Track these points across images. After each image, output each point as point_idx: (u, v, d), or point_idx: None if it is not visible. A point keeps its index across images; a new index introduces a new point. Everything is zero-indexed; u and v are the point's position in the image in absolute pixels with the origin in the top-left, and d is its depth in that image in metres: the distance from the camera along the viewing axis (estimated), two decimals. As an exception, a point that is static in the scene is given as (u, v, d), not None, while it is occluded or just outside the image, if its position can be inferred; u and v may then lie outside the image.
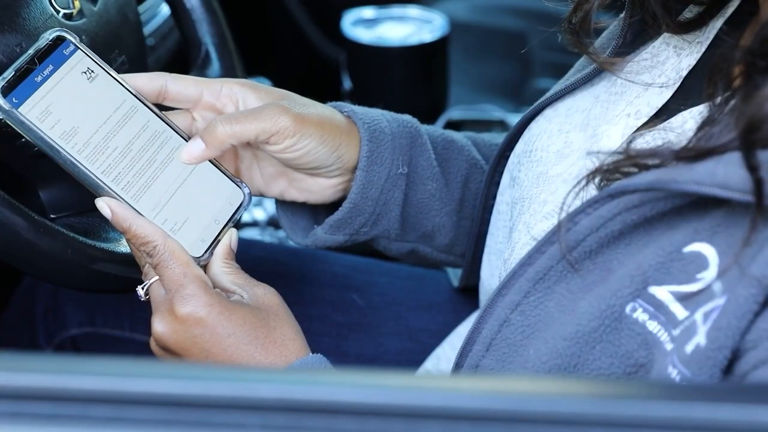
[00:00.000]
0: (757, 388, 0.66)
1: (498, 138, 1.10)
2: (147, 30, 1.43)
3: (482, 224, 1.05)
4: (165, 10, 1.50)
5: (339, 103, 1.01)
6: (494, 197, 1.03)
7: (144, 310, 0.92)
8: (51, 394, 0.59)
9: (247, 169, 0.99)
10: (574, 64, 0.99)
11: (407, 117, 1.04)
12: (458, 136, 1.07)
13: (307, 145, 0.93)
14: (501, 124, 1.71)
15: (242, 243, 0.95)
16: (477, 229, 1.05)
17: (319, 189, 0.99)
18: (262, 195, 1.00)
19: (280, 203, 1.03)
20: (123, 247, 0.99)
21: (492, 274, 0.99)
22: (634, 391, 0.63)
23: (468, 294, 1.14)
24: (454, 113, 1.79)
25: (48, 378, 0.60)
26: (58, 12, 1.03)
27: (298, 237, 1.03)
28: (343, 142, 0.96)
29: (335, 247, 1.02)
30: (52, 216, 1.04)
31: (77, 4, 1.05)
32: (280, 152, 0.93)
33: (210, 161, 0.95)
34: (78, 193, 1.03)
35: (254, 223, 1.48)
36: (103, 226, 1.03)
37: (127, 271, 0.97)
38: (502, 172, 1.01)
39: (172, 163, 0.93)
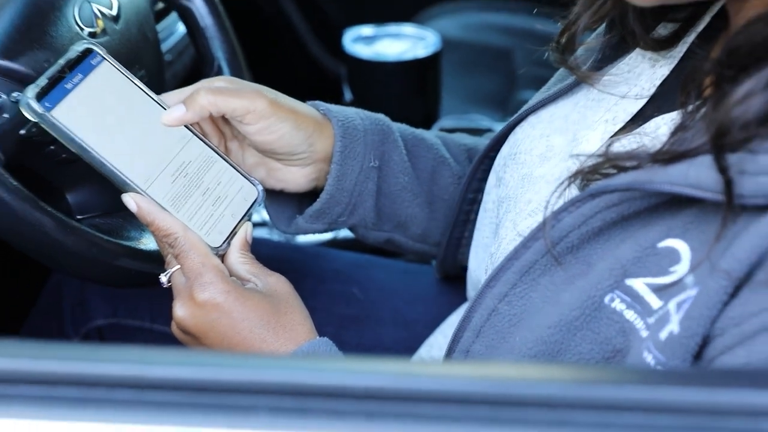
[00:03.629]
0: (724, 373, 0.66)
1: (469, 139, 1.11)
2: (165, 47, 1.43)
3: (459, 215, 1.05)
4: (181, 28, 1.50)
5: (317, 102, 1.01)
6: (475, 192, 1.03)
7: (162, 303, 0.92)
8: (77, 380, 0.59)
9: (234, 158, 0.98)
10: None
11: (380, 116, 1.04)
12: (429, 135, 1.07)
13: (281, 128, 0.94)
14: (488, 132, 1.71)
15: (254, 240, 0.95)
16: (453, 220, 1.05)
17: (293, 178, 0.99)
18: None
19: (267, 196, 1.02)
20: (143, 245, 0.99)
21: (479, 266, 0.99)
22: (612, 376, 0.62)
23: (458, 287, 1.14)
24: (446, 122, 1.79)
25: (75, 365, 0.60)
26: (82, 30, 1.03)
27: (282, 226, 1.03)
28: (315, 132, 0.96)
29: (328, 241, 1.03)
30: (78, 217, 1.04)
31: (101, 23, 1.05)
32: (257, 133, 0.93)
33: (226, 161, 0.95)
34: (102, 196, 1.03)
35: (263, 223, 1.48)
36: (125, 225, 1.02)
37: (147, 266, 0.97)
38: (485, 171, 1.01)
39: (192, 161, 0.93)
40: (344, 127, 0.98)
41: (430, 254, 1.12)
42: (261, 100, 0.93)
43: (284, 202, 1.02)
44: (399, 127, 1.04)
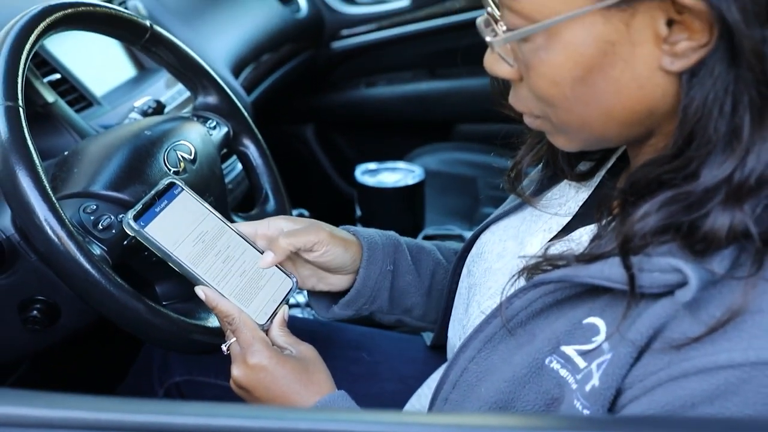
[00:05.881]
0: (632, 419, 0.64)
1: (454, 245, 1.11)
2: (227, 179, 1.44)
3: (449, 301, 1.04)
4: (239, 166, 1.52)
5: (348, 226, 1.02)
6: (456, 283, 1.02)
7: (224, 365, 0.91)
8: (160, 428, 0.58)
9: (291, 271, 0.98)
10: (507, 197, 1.00)
11: (392, 233, 1.05)
12: (427, 244, 1.08)
13: (336, 252, 0.95)
14: (459, 237, 1.72)
15: (289, 317, 0.94)
16: (444, 305, 1.04)
17: (339, 282, 0.99)
18: (300, 289, 1.01)
19: (313, 294, 1.03)
20: (210, 323, 0.98)
21: (455, 335, 0.98)
22: (552, 423, 0.61)
23: (439, 352, 1.13)
24: (429, 231, 1.79)
25: (158, 417, 0.59)
26: (169, 170, 1.04)
27: (322, 312, 1.03)
28: (356, 251, 0.97)
29: (347, 318, 1.03)
30: (163, 303, 1.03)
31: (182, 164, 1.07)
32: (319, 257, 0.94)
33: None
34: (180, 287, 1.02)
35: (297, 305, 1.47)
36: (197, 309, 1.02)
37: (213, 339, 0.96)
38: (462, 266, 1.01)
39: (245, 263, 0.93)
40: (368, 243, 0.99)
41: (428, 330, 1.11)
42: (323, 233, 0.94)
43: (323, 296, 1.03)
44: (405, 240, 1.05)
